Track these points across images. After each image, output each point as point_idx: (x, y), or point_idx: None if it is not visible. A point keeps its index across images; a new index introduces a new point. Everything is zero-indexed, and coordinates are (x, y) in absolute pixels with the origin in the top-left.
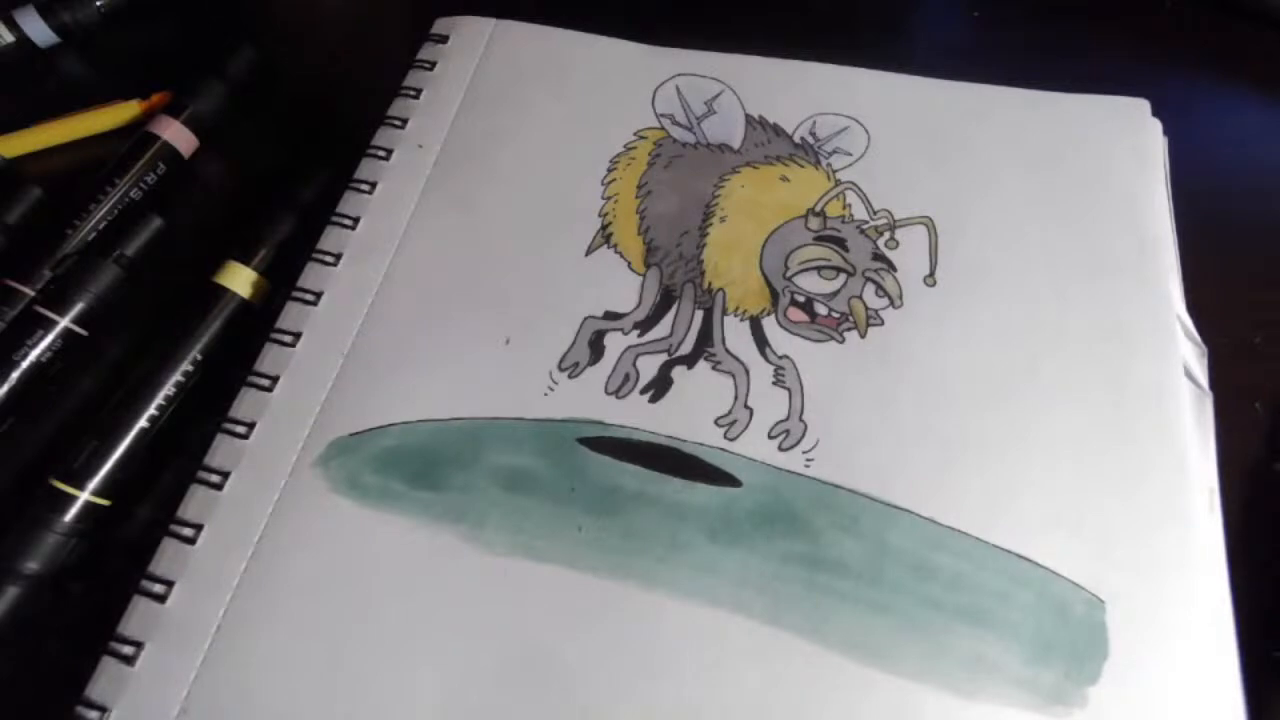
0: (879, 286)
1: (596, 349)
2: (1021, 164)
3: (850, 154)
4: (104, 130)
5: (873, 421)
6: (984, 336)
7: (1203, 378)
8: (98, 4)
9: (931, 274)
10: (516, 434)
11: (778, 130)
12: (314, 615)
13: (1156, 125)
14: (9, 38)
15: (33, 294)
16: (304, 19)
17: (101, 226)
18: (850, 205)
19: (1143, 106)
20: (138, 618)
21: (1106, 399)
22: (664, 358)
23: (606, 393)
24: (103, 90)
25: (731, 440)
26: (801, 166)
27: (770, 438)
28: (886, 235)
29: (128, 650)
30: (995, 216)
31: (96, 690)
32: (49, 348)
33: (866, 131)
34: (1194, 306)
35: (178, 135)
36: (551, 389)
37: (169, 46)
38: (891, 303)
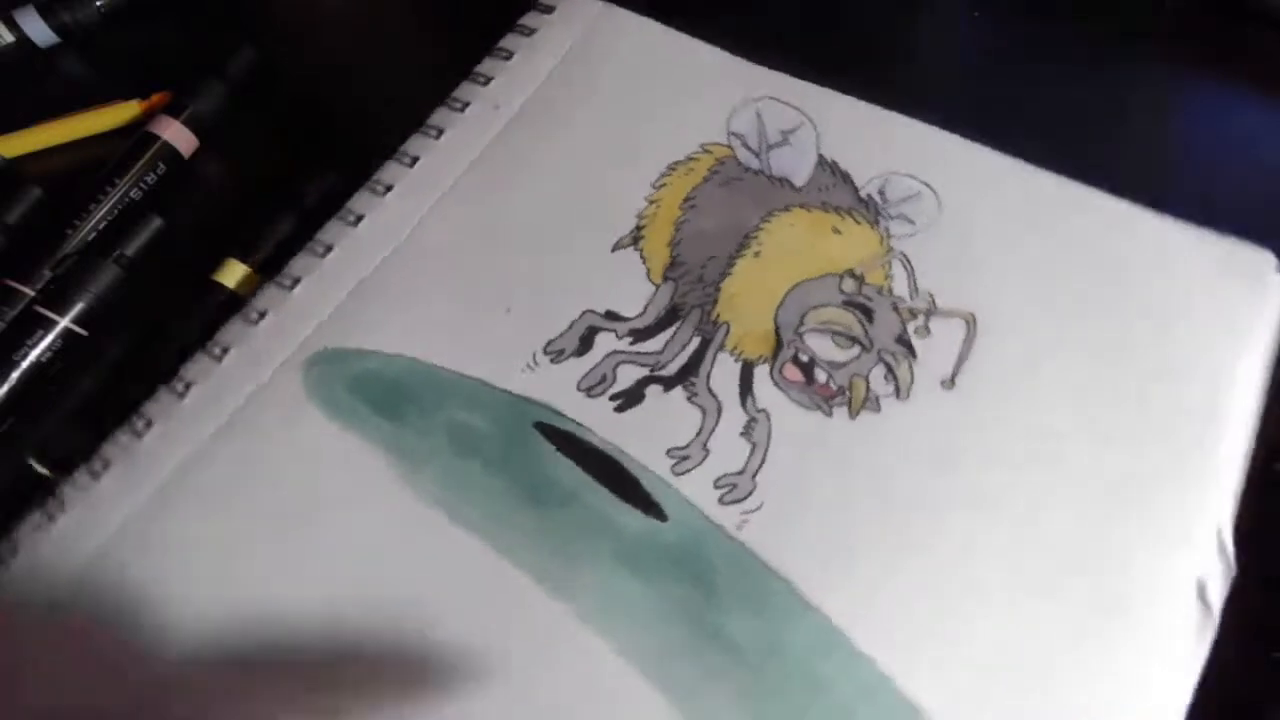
0: (890, 371)
1: (586, 343)
2: (1103, 292)
3: (914, 223)
4: (104, 130)
5: (825, 510)
6: (981, 473)
7: (1217, 599)
8: (98, 4)
9: (952, 378)
10: (481, 398)
11: (846, 178)
12: (250, 496)
13: (1278, 284)
14: (9, 38)
15: (32, 294)
16: (304, 19)
17: (101, 226)
18: (893, 277)
19: (1267, 261)
20: (115, 445)
21: (1091, 601)
22: (645, 372)
23: (578, 388)
24: (103, 90)
25: (677, 475)
26: (857, 223)
27: (715, 486)
28: (921, 320)
29: (97, 466)
30: (1047, 340)
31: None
32: (49, 348)
33: (940, 203)
34: None
35: (178, 135)
36: (531, 367)
37: (169, 46)
38: (897, 393)
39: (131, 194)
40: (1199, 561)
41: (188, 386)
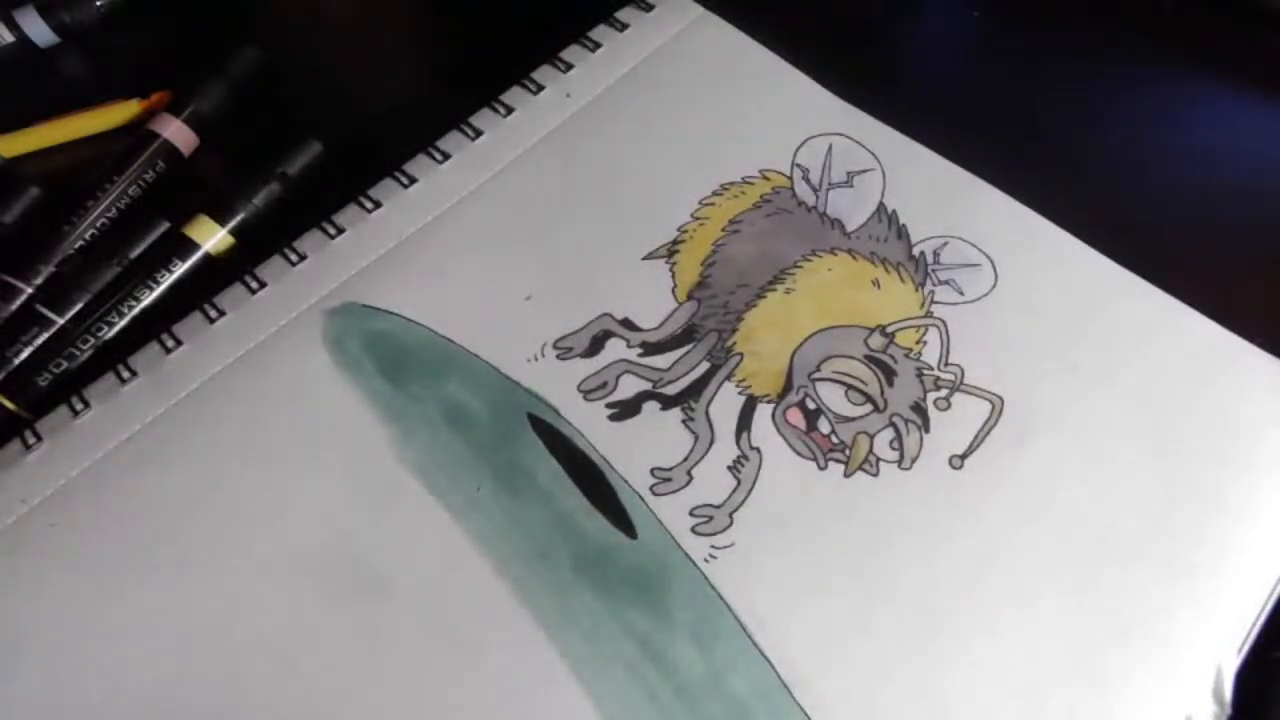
0: (898, 437)
1: (596, 346)
2: (1143, 401)
3: (962, 294)
4: (104, 130)
5: (797, 562)
6: (969, 561)
7: None
8: (98, 4)
9: (963, 458)
10: (482, 379)
11: (901, 232)
12: (249, 425)
13: None
14: (9, 38)
15: (31, 291)
16: (305, 19)
17: (100, 224)
18: (926, 343)
19: None
20: (148, 352)
21: (1064, 714)
22: (647, 387)
23: (578, 389)
24: (103, 90)
25: (655, 495)
26: (901, 280)
27: (691, 514)
28: (944, 393)
29: (125, 373)
30: (1073, 440)
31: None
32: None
33: (996, 277)
34: (1194, 307)
35: (178, 133)
36: (536, 358)
37: (169, 46)
38: (900, 461)
39: (130, 191)
40: (1189, 698)
41: (220, 313)
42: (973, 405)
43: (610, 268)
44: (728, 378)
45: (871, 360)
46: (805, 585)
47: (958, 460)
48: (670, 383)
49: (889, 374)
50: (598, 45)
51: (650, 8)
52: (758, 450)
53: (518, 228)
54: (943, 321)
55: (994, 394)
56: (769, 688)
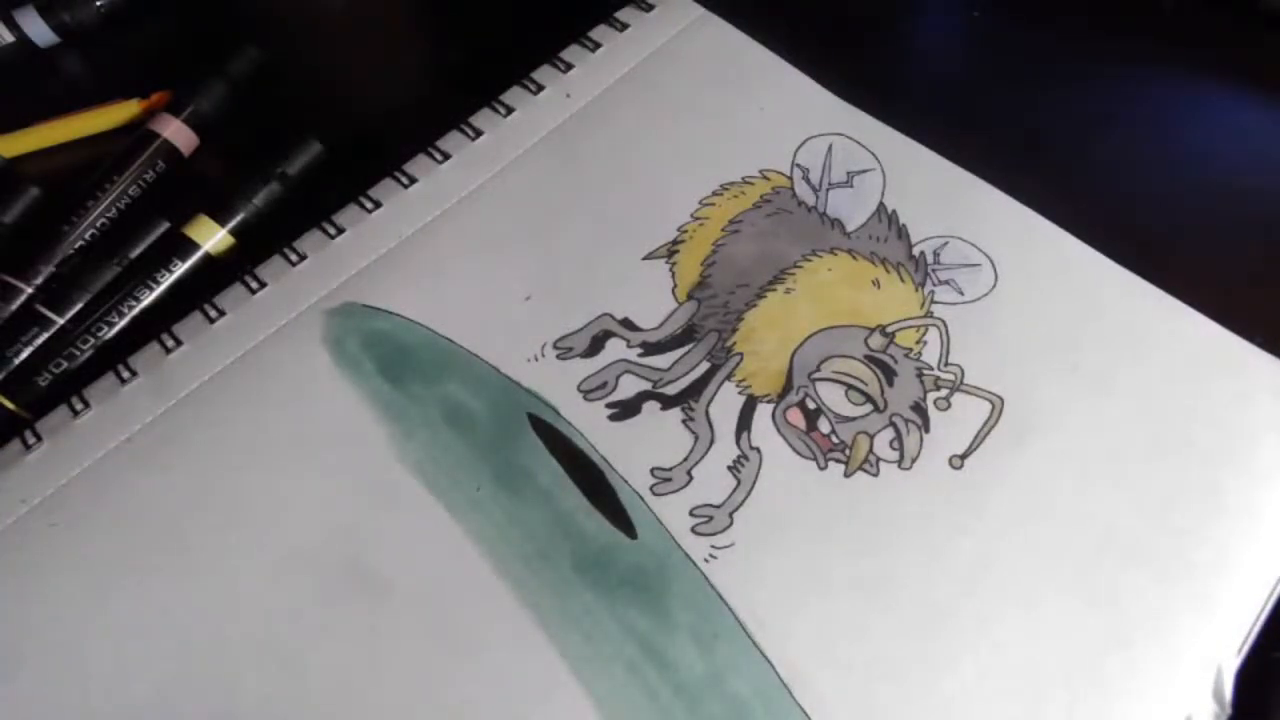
0: (898, 437)
1: (596, 346)
2: (1146, 402)
3: (962, 294)
4: (104, 130)
5: (797, 562)
6: (969, 561)
7: None
8: (98, 4)
9: (963, 458)
10: (482, 379)
11: (901, 233)
12: (249, 424)
13: None
14: (9, 38)
15: (31, 291)
16: (305, 19)
17: (100, 224)
18: (926, 343)
19: None
20: (148, 352)
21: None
22: (647, 386)
23: (578, 389)
24: (103, 90)
25: (655, 495)
26: (901, 280)
27: (691, 514)
28: (944, 393)
29: (125, 373)
30: (1075, 441)
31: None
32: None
33: (996, 277)
34: (1194, 307)
35: (178, 133)
36: (536, 358)
37: (169, 46)
38: (900, 461)
39: (130, 191)
40: (1189, 699)
41: (220, 313)
42: (973, 405)
43: (610, 268)
44: (728, 378)
45: (871, 360)
46: (805, 585)
47: (958, 460)
48: (670, 383)
49: (889, 374)
50: (598, 45)
51: (650, 8)
52: (758, 450)
53: (518, 228)
54: (943, 321)
55: (994, 394)
56: (769, 688)
